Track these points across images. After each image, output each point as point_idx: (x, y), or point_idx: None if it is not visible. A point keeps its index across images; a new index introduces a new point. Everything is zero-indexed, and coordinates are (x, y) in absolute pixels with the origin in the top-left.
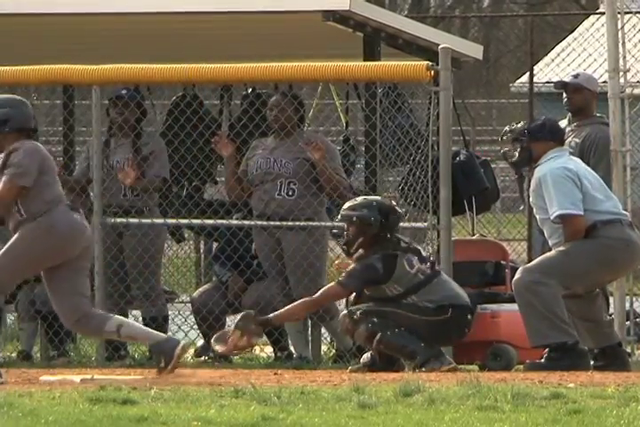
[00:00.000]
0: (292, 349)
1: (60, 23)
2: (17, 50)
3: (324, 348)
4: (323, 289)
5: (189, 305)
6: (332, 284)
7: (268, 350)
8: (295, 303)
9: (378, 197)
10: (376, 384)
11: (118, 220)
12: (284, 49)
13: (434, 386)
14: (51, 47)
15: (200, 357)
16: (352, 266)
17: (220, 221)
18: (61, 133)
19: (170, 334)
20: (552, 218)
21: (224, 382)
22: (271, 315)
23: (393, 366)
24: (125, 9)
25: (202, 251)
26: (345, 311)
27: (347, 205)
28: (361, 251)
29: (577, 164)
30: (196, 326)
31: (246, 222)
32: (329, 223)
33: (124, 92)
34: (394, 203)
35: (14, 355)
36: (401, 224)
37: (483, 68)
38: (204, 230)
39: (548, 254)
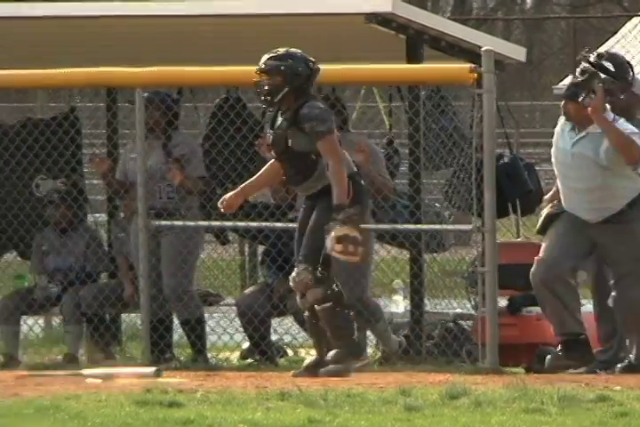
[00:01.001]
0: None
1: (104, 26)
2: (61, 53)
3: (369, 350)
4: (323, 151)
5: (235, 308)
6: (320, 144)
7: (314, 352)
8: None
9: (298, 50)
10: (422, 387)
11: (163, 222)
12: (326, 51)
13: (480, 389)
14: (95, 50)
15: (246, 359)
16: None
17: (264, 224)
18: (105, 136)
19: (214, 337)
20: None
21: (270, 385)
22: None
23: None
24: (169, 12)
25: (246, 253)
26: (306, 266)
27: (267, 55)
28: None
29: None
30: (241, 329)
31: (291, 225)
32: (373, 226)
33: (146, 94)
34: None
35: (60, 358)
36: (446, 226)
37: (526, 70)
38: (248, 233)
39: None
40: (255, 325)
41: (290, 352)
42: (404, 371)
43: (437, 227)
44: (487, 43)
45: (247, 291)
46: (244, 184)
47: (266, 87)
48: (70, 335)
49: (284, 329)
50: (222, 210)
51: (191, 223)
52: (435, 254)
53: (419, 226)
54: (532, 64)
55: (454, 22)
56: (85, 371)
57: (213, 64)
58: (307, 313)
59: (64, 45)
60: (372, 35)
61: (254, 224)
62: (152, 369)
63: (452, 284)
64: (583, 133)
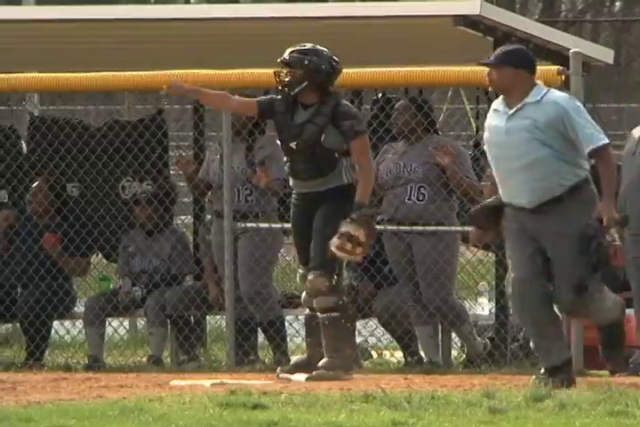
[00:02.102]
0: (422, 354)
1: (191, 28)
2: (148, 55)
3: (454, 353)
4: (356, 150)
5: None
6: (355, 143)
7: (399, 354)
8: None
9: (325, 48)
10: (506, 389)
11: (249, 224)
12: (413, 53)
13: (564, 391)
14: (181, 52)
15: None
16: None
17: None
18: (192, 138)
19: (299, 339)
20: (597, 146)
21: (354, 387)
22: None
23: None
24: (255, 14)
25: None
26: (322, 273)
27: (293, 48)
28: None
29: None
30: None
31: (377, 227)
32: (459, 228)
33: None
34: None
35: (145, 360)
36: None
37: (614, 72)
38: None
39: None
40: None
41: (374, 354)
42: (489, 373)
43: None
44: (575, 45)
45: None
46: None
47: (286, 79)
48: (155, 337)
49: (368, 331)
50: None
51: (277, 226)
52: None
53: None
54: (619, 66)
55: (542, 24)
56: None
57: None
58: (308, 312)
59: (160, 47)
60: (460, 37)
61: None
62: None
63: None
64: (519, 105)
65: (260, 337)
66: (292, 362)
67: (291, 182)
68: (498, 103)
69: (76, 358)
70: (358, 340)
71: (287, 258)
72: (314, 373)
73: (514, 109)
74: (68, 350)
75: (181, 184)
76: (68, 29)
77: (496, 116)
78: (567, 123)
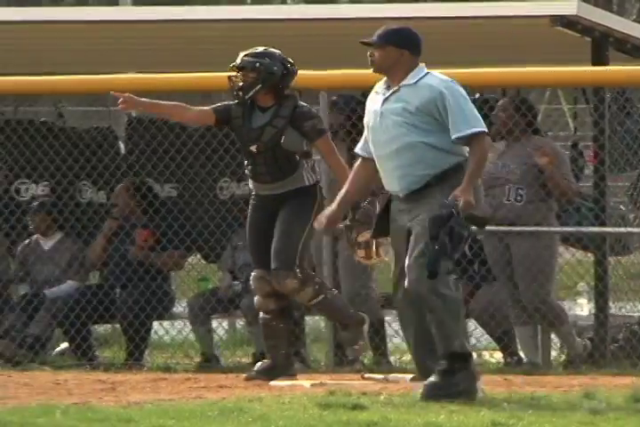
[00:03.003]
0: (521, 354)
1: (288, 29)
2: (228, 56)
3: (553, 353)
4: (323, 149)
5: None
6: (320, 142)
7: (498, 355)
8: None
9: (277, 50)
10: (607, 390)
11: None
12: (512, 54)
13: None
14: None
15: None
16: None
17: None
18: None
19: (398, 340)
20: (463, 135)
21: None
22: None
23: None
24: (353, 14)
25: None
26: (288, 273)
27: (246, 52)
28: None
29: None
30: None
31: (474, 227)
32: (557, 229)
33: (334, 97)
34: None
35: (244, 360)
36: (631, 229)
37: None
38: None
39: None
40: None
41: (473, 355)
42: (589, 374)
43: (622, 230)
44: None
45: None
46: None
47: (240, 83)
48: (255, 336)
49: (467, 332)
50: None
51: None
52: (619, 257)
53: (603, 228)
54: None
55: None
56: (366, 374)
57: None
58: (264, 315)
59: (248, 48)
60: (557, 37)
61: None
62: (408, 376)
63: (637, 287)
64: (395, 88)
65: None
66: (256, 368)
67: (251, 185)
68: (379, 85)
69: (175, 358)
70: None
71: (386, 258)
72: (247, 374)
73: (390, 92)
74: (167, 351)
75: None
76: (165, 30)
77: (375, 99)
78: (441, 107)
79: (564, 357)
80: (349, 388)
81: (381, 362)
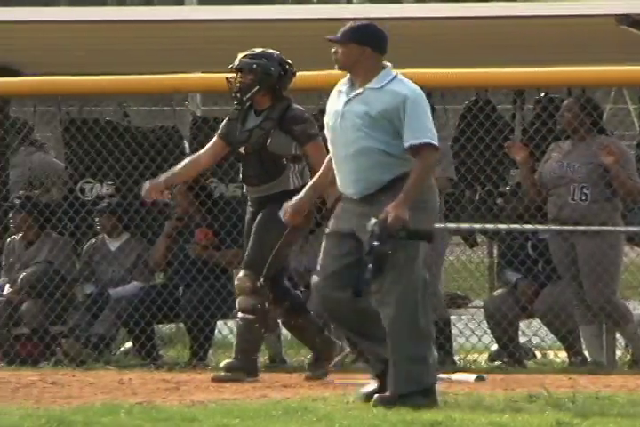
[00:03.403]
0: (586, 353)
1: None
2: (305, 55)
3: (618, 353)
4: (312, 155)
5: (483, 310)
6: (309, 148)
7: (562, 354)
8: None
9: (276, 51)
10: None
11: None
12: (577, 53)
13: None
14: None
15: (494, 361)
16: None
17: (513, 226)
18: None
19: (463, 339)
20: (416, 142)
21: (518, 387)
22: None
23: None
24: (416, 14)
25: (495, 256)
26: (249, 273)
27: (244, 53)
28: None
29: None
30: (489, 331)
31: (540, 227)
32: (623, 228)
33: None
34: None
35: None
36: None
37: None
38: (497, 235)
39: None
40: (503, 327)
41: (538, 354)
42: None
43: None
44: None
45: (495, 293)
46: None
47: (237, 85)
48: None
49: (531, 331)
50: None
51: (439, 225)
52: None
53: None
54: None
55: None
56: None
57: (463, 66)
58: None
59: (311, 47)
60: (623, 36)
61: (503, 226)
62: (473, 376)
63: None
64: (360, 90)
65: None
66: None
67: (244, 188)
68: (342, 83)
69: None
70: (522, 340)
71: (450, 258)
72: (213, 374)
73: (354, 94)
74: (231, 350)
75: None
76: (230, 30)
77: (338, 98)
78: (401, 114)
79: (629, 356)
80: None
81: (446, 361)
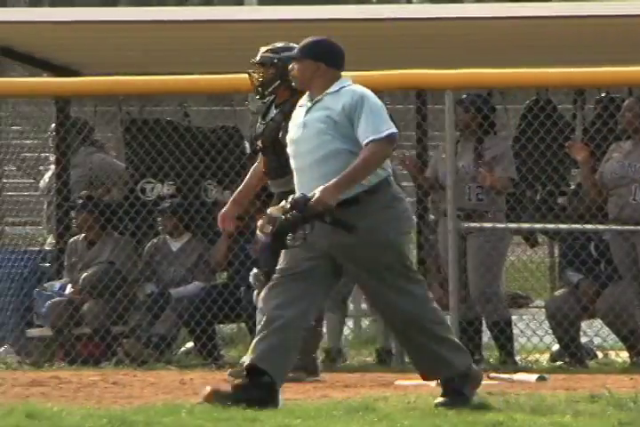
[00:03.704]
0: None
1: (412, 28)
2: (370, 55)
3: None
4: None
5: (544, 310)
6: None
7: (624, 355)
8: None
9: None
10: None
11: (472, 224)
12: (637, 53)
13: None
14: (404, 52)
15: (555, 361)
16: None
17: (574, 226)
18: (415, 138)
19: (524, 339)
20: (372, 139)
21: (580, 387)
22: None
23: None
24: (477, 14)
25: (556, 255)
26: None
27: (265, 48)
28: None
29: None
30: (550, 331)
31: (600, 227)
32: None
33: (464, 96)
34: None
35: (369, 359)
36: None
37: None
38: (558, 235)
39: None
40: (565, 327)
41: (599, 354)
42: None
43: None
44: None
45: (556, 293)
46: (233, 195)
47: (259, 79)
48: (382, 336)
49: (593, 331)
50: (220, 226)
51: (501, 225)
52: None
53: None
54: None
55: None
56: (492, 374)
57: (524, 66)
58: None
59: (375, 47)
60: None
61: (564, 226)
62: (534, 376)
63: None
64: (319, 97)
65: (485, 337)
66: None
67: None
68: (303, 99)
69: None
70: (584, 340)
71: (511, 258)
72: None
73: (313, 102)
74: None
75: (404, 184)
76: (290, 29)
77: (298, 112)
78: (358, 112)
79: None
80: None
81: (507, 362)
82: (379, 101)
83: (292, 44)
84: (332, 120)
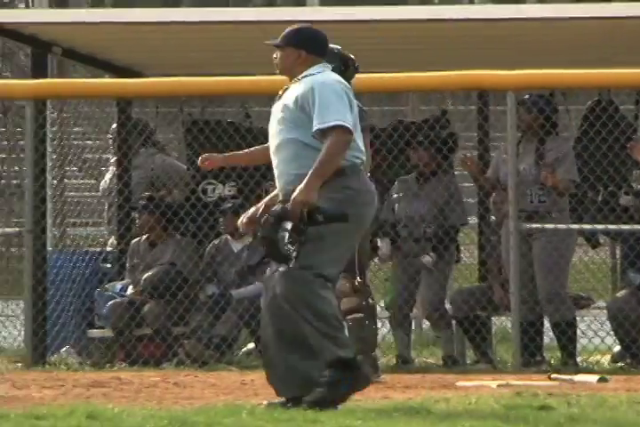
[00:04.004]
0: None
1: (474, 29)
2: (432, 56)
3: None
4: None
5: (606, 311)
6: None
7: None
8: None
9: (338, 46)
10: None
11: (534, 225)
12: None
13: None
14: (465, 53)
15: (616, 363)
16: None
17: (636, 227)
18: (476, 139)
19: (585, 340)
20: (323, 127)
21: None
22: None
23: None
24: (539, 14)
25: (617, 256)
26: (344, 275)
27: None
28: None
29: None
30: (612, 332)
31: None
32: None
33: (526, 97)
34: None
35: (430, 360)
36: None
37: None
38: (620, 236)
39: None
40: (626, 328)
41: None
42: None
43: None
44: None
45: (618, 294)
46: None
47: None
48: (443, 339)
49: None
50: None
51: (562, 226)
52: None
53: None
54: None
55: None
56: (553, 375)
57: (587, 67)
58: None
59: (437, 48)
60: None
61: (626, 227)
62: (595, 377)
63: None
64: (288, 85)
65: (546, 338)
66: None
67: None
68: (283, 88)
69: None
70: None
71: (573, 259)
72: None
73: (284, 89)
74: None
75: (466, 185)
76: (347, 30)
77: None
78: (311, 102)
79: None
80: (536, 389)
81: (568, 363)
82: (335, 91)
83: (332, 46)
84: (288, 109)
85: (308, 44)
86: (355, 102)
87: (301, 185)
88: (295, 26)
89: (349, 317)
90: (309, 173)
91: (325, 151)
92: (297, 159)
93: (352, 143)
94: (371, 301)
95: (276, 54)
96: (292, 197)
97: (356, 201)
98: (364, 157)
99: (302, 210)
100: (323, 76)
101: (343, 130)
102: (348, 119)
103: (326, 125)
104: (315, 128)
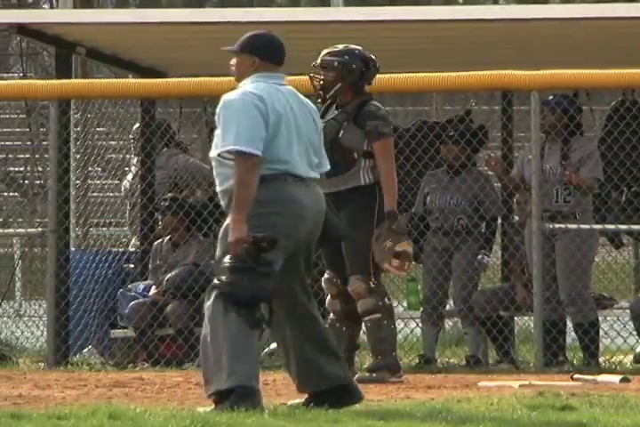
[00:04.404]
0: None
1: (498, 29)
2: (456, 56)
3: None
4: (378, 153)
5: (628, 311)
6: (378, 145)
7: None
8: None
9: (359, 47)
10: None
11: (557, 225)
12: None
13: None
14: (489, 53)
15: (639, 363)
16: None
17: None
18: (500, 139)
19: (608, 340)
20: (218, 152)
21: None
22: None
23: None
24: (563, 14)
25: None
26: (360, 276)
27: (326, 50)
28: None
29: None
30: (635, 333)
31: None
32: None
33: (550, 97)
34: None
35: (453, 360)
36: None
37: None
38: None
39: None
40: None
41: None
42: None
43: None
44: None
45: None
46: None
47: (320, 82)
48: (469, 337)
49: None
50: None
51: (585, 226)
52: None
53: None
54: None
55: None
56: (575, 375)
57: (609, 67)
58: (333, 316)
59: (461, 48)
60: None
61: None
62: (618, 377)
63: None
64: None
65: (568, 338)
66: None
67: None
68: None
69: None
70: None
71: (596, 259)
72: (357, 375)
73: None
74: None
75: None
76: (377, 31)
77: None
78: (218, 119)
79: None
80: (558, 389)
81: (591, 363)
82: (239, 109)
83: (352, 46)
84: (216, 127)
85: (261, 51)
86: (301, 106)
87: (230, 224)
88: (253, 32)
89: (367, 318)
90: (232, 208)
91: (235, 183)
92: (217, 176)
93: (269, 156)
94: (387, 301)
95: (233, 60)
96: (228, 240)
97: (279, 213)
98: (288, 165)
99: (243, 247)
100: (241, 89)
101: (243, 156)
102: (250, 139)
103: (222, 150)
104: (218, 150)
